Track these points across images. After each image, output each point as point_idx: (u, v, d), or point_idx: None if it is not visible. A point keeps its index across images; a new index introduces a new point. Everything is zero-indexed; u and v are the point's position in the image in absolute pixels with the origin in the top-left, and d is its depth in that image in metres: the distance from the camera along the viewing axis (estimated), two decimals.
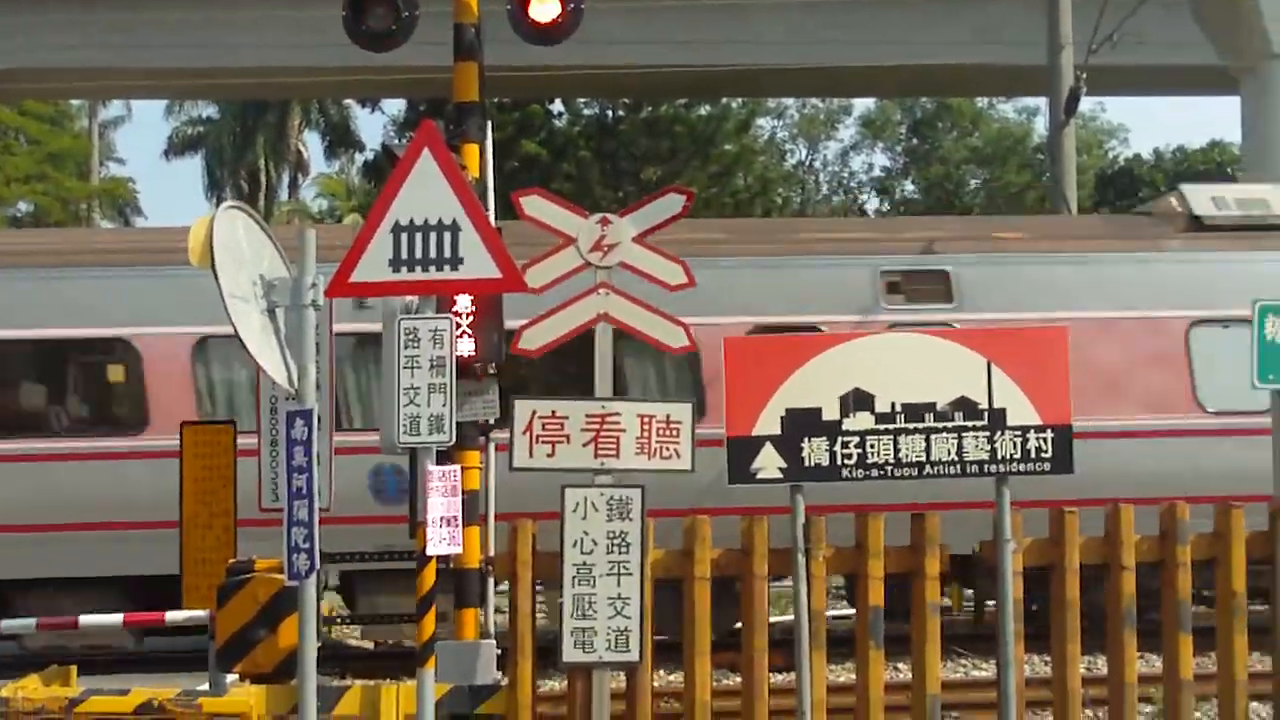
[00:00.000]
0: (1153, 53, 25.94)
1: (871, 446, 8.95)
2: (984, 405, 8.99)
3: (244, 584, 9.09)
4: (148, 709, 8.46)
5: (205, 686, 9.55)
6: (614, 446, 8.90)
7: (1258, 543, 9.58)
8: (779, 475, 8.95)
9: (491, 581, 10.91)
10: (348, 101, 54.67)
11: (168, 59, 30.48)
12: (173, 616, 10.37)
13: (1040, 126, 49.22)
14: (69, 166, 51.59)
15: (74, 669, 9.00)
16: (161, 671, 12.91)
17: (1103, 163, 53.24)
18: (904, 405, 8.98)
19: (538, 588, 9.53)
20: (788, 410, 8.94)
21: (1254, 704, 10.22)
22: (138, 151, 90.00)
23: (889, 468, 8.97)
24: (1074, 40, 22.81)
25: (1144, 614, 9.44)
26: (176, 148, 58.59)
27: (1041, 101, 29.46)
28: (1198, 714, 10.12)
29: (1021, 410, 8.99)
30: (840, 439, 8.95)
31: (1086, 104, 33.92)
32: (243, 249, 7.85)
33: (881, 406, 8.98)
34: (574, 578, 8.72)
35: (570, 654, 8.73)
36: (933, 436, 8.98)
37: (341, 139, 58.25)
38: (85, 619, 10.63)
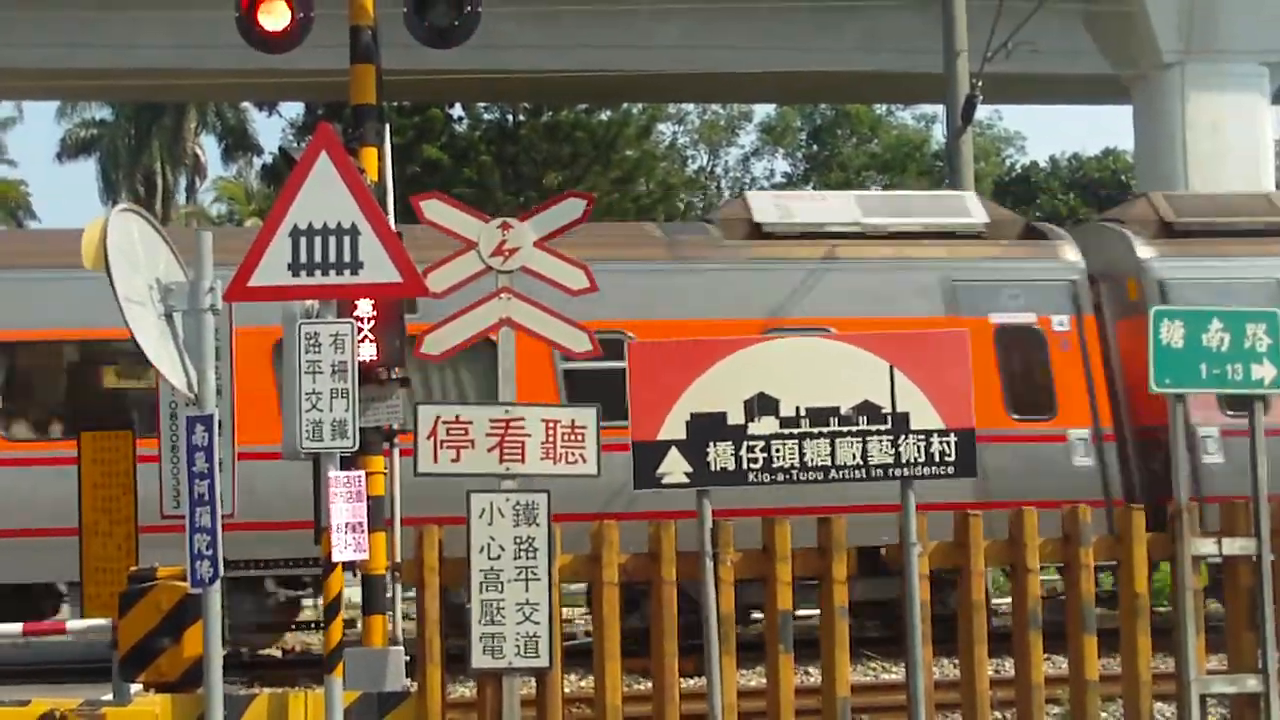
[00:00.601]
0: (1047, 61, 26.15)
1: (777, 451, 8.96)
2: (887, 409, 9.02)
3: (146, 592, 8.95)
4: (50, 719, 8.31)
5: (109, 696, 9.39)
6: (519, 451, 8.85)
7: (1158, 544, 9.67)
8: (685, 480, 8.94)
9: (399, 587, 10.80)
10: (245, 105, 54.19)
11: (58, 59, 29.97)
12: (74, 625, 10.18)
13: (938, 134, 49.66)
14: None
15: None
16: (63, 682, 12.68)
17: (1000, 170, 53.75)
18: (809, 409, 9.00)
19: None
20: (693, 415, 8.93)
21: (1158, 704, 10.33)
22: (30, 153, 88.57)
23: (794, 472, 8.98)
24: (969, 48, 22.98)
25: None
26: (70, 150, 57.77)
27: (939, 109, 29.66)
28: (1104, 714, 10.20)
29: (924, 414, 9.02)
30: (746, 443, 8.95)
31: (983, 111, 34.34)
32: (138, 252, 7.73)
33: (786, 411, 8.99)
34: (481, 583, 8.66)
35: (479, 660, 8.67)
36: (837, 440, 8.99)
37: (239, 142, 57.70)
38: None
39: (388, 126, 10.86)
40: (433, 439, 8.79)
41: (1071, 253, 16.58)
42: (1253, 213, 17.06)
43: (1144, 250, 16.37)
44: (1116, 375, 16.21)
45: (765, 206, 16.77)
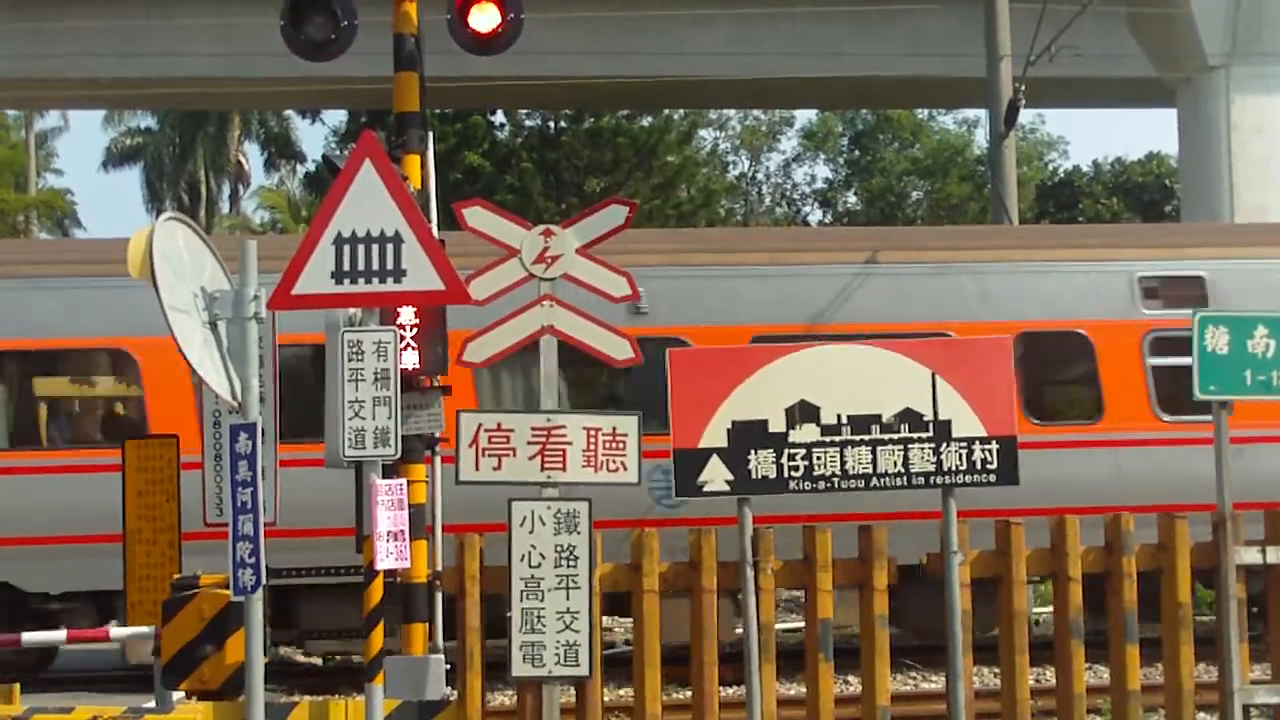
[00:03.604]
0: (1090, 65, 26.07)
1: (818, 458, 8.94)
2: (929, 417, 9.00)
3: (189, 600, 8.99)
4: None
5: (152, 704, 9.44)
6: (560, 459, 8.85)
7: (1202, 553, 9.61)
8: (726, 488, 8.93)
9: (440, 595, 10.82)
10: (288, 112, 54.48)
11: (103, 69, 30.20)
12: (117, 633, 10.24)
13: (980, 138, 49.54)
14: (5, 178, 51.11)
15: (17, 687, 8.88)
16: (106, 690, 12.77)
17: (1043, 174, 53.52)
18: (850, 417, 8.98)
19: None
20: (734, 422, 8.93)
21: (1201, 714, 10.27)
22: (76, 162, 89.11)
23: (835, 479, 8.97)
24: (1012, 52, 22.91)
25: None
26: (115, 159, 58.22)
27: (981, 113, 29.63)
28: None
29: (966, 421, 8.99)
30: (787, 451, 8.94)
31: (1026, 116, 34.16)
32: (183, 261, 7.76)
33: (827, 418, 8.98)
34: (522, 592, 8.67)
35: (519, 668, 8.68)
36: (879, 448, 8.97)
37: (282, 150, 58.05)
38: (27, 636, 10.46)
39: (430, 133, 10.89)
40: (474, 447, 8.81)
41: None
42: None
43: None
44: None
45: None
